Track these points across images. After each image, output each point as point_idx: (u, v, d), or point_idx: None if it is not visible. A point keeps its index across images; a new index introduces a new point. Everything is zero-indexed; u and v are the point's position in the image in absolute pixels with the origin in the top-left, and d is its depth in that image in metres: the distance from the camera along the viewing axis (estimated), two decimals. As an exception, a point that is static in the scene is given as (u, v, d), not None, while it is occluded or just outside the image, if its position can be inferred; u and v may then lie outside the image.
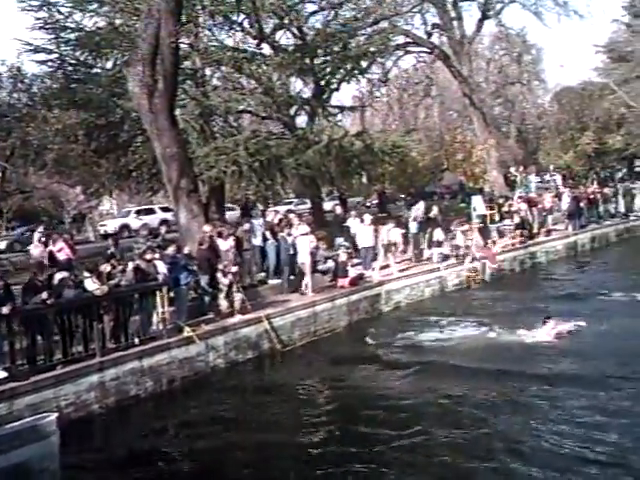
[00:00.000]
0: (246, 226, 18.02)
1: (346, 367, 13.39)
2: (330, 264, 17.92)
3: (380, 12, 26.08)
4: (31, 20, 22.97)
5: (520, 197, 27.81)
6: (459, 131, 40.92)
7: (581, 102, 46.89)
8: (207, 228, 16.17)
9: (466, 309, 17.43)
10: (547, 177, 43.08)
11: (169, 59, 16.85)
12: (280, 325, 14.98)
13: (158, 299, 12.98)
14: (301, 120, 28.10)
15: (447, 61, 35.55)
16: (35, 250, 16.54)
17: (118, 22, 23.01)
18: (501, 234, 23.70)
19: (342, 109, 30.85)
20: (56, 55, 23.90)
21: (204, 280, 14.83)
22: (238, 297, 14.78)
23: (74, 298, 12.06)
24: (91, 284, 12.24)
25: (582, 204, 28.05)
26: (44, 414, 9.02)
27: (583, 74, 73.38)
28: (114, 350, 12.07)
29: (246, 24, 24.38)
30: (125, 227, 33.09)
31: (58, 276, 12.67)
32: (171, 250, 14.63)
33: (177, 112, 19.38)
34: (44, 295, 11.24)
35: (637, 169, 47.65)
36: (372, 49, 26.60)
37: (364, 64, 28.14)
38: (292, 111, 26.70)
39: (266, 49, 25.12)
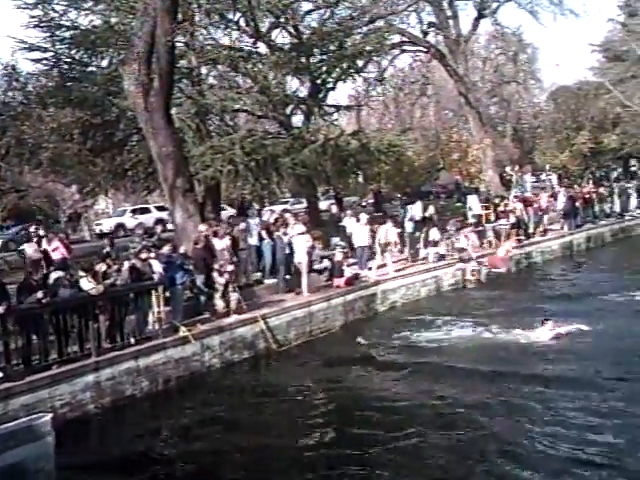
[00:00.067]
0: (242, 225, 18.00)
1: (341, 368, 13.38)
2: (326, 264, 17.93)
3: (376, 11, 26.10)
4: (26, 18, 22.90)
5: (516, 197, 27.86)
6: (455, 130, 40.95)
7: (577, 101, 46.90)
8: (203, 227, 16.16)
9: (462, 309, 17.45)
10: (543, 176, 43.11)
11: (165, 58, 16.82)
12: (276, 325, 14.97)
13: (154, 299, 12.96)
14: (297, 119, 28.13)
15: (443, 60, 35.52)
16: (29, 249, 16.48)
17: (114, 20, 22.96)
18: (497, 234, 23.71)
19: (338, 108, 30.85)
20: (51, 53, 23.81)
21: (200, 280, 14.80)
22: (234, 297, 14.77)
23: (69, 297, 12.04)
24: (87, 283, 12.21)
25: (578, 204, 28.10)
26: (39, 414, 9.00)
27: (579, 73, 73.78)
28: (110, 350, 12.05)
29: (242, 23, 24.34)
30: (121, 226, 33.01)
31: (54, 275, 12.65)
32: (167, 249, 14.64)
33: (173, 111, 19.33)
34: (39, 294, 11.21)
35: (632, 169, 47.83)
36: (368, 48, 26.57)
37: (360, 63, 28.14)
38: (288, 110, 26.69)
39: (262, 48, 25.14)
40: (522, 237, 24.28)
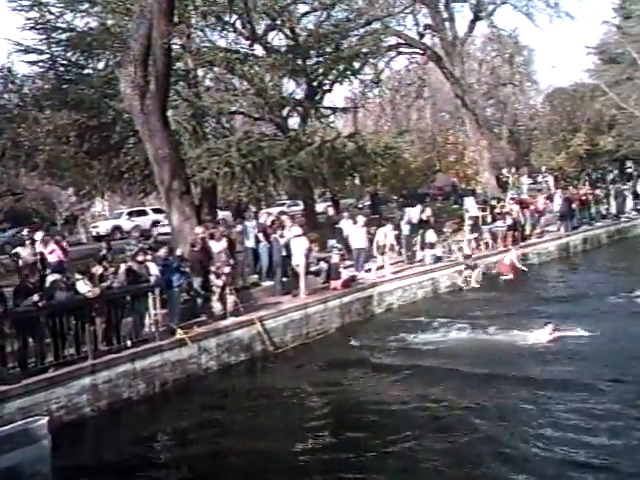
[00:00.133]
0: (239, 228, 17.99)
1: (338, 370, 13.36)
2: (323, 266, 17.94)
3: (372, 13, 26.09)
4: (22, 20, 22.85)
5: (512, 198, 27.89)
6: (451, 132, 41.01)
7: (573, 103, 47.08)
8: (199, 230, 16.13)
9: (458, 311, 17.42)
10: (539, 178, 43.25)
11: (161, 60, 16.79)
12: (272, 327, 14.97)
13: (150, 301, 12.94)
14: (293, 121, 28.13)
15: (439, 62, 35.58)
16: (24, 252, 16.42)
17: (110, 22, 22.89)
18: (494, 235, 23.74)
19: (334, 110, 30.83)
20: (47, 55, 23.73)
21: (197, 282, 14.80)
22: (231, 299, 14.77)
23: (66, 300, 12.01)
24: (83, 286, 12.19)
25: (574, 205, 28.16)
26: (35, 417, 9.00)
27: (575, 75, 74.07)
28: (106, 352, 12.02)
29: (238, 25, 24.34)
30: (117, 229, 32.97)
31: (50, 278, 12.65)
32: (163, 252, 14.62)
33: (169, 113, 19.32)
34: (36, 297, 11.18)
35: (628, 171, 47.85)
36: (364, 50, 26.61)
37: (356, 65, 28.14)
38: (284, 112, 26.69)
39: (258, 50, 25.11)
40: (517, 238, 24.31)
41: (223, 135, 25.50)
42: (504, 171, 36.98)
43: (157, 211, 31.85)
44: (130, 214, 34.67)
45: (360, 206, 40.54)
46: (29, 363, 11.14)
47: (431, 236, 21.21)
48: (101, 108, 23.29)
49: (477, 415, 10.36)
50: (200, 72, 25.23)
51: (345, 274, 17.83)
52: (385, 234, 19.58)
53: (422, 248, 21.11)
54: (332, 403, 11.60)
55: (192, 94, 23.61)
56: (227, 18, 24.09)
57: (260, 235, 17.73)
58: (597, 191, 32.17)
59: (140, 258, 13.71)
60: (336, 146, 24.02)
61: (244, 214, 19.84)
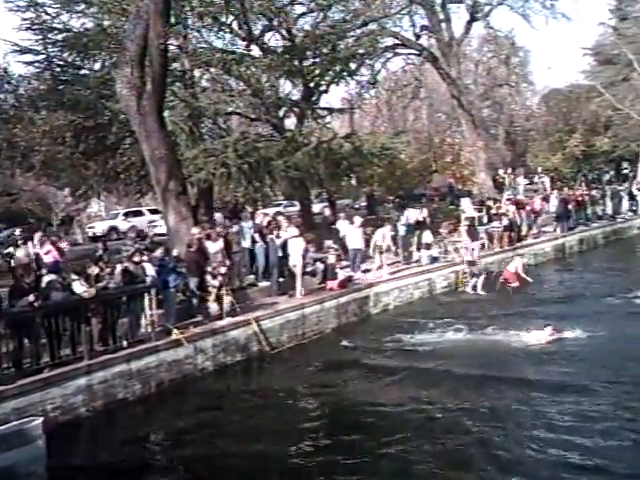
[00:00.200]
0: (235, 228, 18.00)
1: (333, 371, 13.37)
2: (319, 266, 17.95)
3: (369, 14, 26.07)
4: (18, 21, 22.77)
5: (508, 199, 27.93)
6: (448, 133, 41.10)
7: (569, 104, 47.17)
8: (196, 230, 16.13)
9: (455, 312, 17.44)
10: (536, 179, 43.34)
11: (157, 61, 16.80)
12: (269, 327, 14.99)
13: (146, 302, 12.95)
14: (290, 122, 28.10)
15: (436, 63, 35.64)
16: (19, 253, 16.38)
17: (106, 23, 22.86)
18: (490, 236, 23.78)
19: (331, 111, 30.84)
20: (43, 56, 23.66)
21: (193, 283, 14.81)
22: (227, 299, 14.77)
23: (62, 301, 12.01)
24: (79, 287, 12.20)
25: (570, 206, 28.22)
26: (30, 418, 8.99)
27: (571, 76, 74.15)
28: (102, 353, 12.01)
29: (235, 26, 24.33)
30: (113, 229, 32.91)
31: (46, 279, 12.62)
32: (159, 252, 14.62)
33: (166, 114, 19.31)
34: (31, 298, 11.17)
35: (624, 171, 48.04)
36: (361, 51, 26.61)
37: (353, 66, 28.13)
38: (281, 113, 26.67)
39: (255, 51, 25.12)
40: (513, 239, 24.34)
41: (219, 136, 25.49)
42: (500, 172, 37.02)
43: (153, 212, 31.80)
44: (126, 215, 34.61)
45: (357, 207, 40.57)
46: (24, 363, 11.13)
47: (427, 237, 21.24)
48: (97, 109, 23.25)
49: (471, 417, 10.34)
50: (197, 73, 25.21)
51: (341, 274, 17.84)
52: (383, 235, 19.62)
53: (418, 249, 21.14)
54: (327, 404, 11.58)
55: (188, 95, 23.58)
56: (224, 19, 24.07)
57: (256, 236, 17.74)
58: (593, 192, 32.24)
59: (136, 259, 13.71)
60: (332, 147, 24.03)
61: (240, 215, 19.83)
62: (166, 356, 12.75)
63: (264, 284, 17.26)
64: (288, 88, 27.78)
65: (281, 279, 17.21)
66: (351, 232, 19.41)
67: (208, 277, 14.75)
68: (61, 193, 34.77)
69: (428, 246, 21.04)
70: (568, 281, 21.87)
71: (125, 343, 12.48)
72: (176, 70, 23.30)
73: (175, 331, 13.20)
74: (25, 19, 22.85)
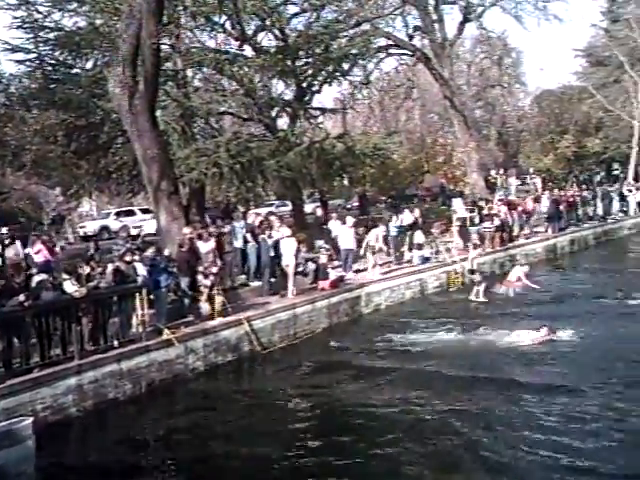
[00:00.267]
0: (227, 228, 17.99)
1: (324, 372, 13.37)
2: (311, 266, 17.97)
3: (362, 14, 26.11)
4: (9, 19, 22.64)
5: (500, 200, 28.03)
6: (440, 134, 41.17)
7: (561, 105, 47.41)
8: (187, 230, 16.12)
9: (446, 312, 17.51)
10: (528, 180, 43.54)
11: (150, 60, 16.76)
12: (260, 327, 14.99)
13: (137, 301, 12.92)
14: (282, 122, 28.08)
15: (428, 64, 35.66)
16: (9, 252, 16.30)
17: (98, 22, 22.75)
18: (481, 236, 23.84)
19: (323, 111, 30.83)
20: (35, 55, 23.55)
21: (184, 282, 14.80)
22: (219, 299, 14.76)
23: (52, 300, 11.97)
24: (70, 286, 12.17)
25: (561, 207, 28.34)
26: (20, 418, 8.96)
27: (563, 77, 74.69)
28: (92, 353, 11.98)
29: (228, 25, 24.26)
30: (105, 229, 32.79)
31: (36, 278, 12.58)
32: (151, 252, 14.60)
33: (158, 113, 19.26)
34: (21, 297, 11.13)
35: (615, 172, 48.29)
36: (354, 51, 26.57)
37: (346, 66, 28.09)
38: (273, 113, 26.63)
39: (248, 51, 25.05)
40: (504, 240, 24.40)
41: (212, 135, 25.45)
42: (492, 172, 37.16)
43: (145, 211, 31.73)
44: (118, 214, 34.51)
45: (349, 207, 40.63)
46: (14, 363, 11.09)
47: (419, 237, 21.30)
48: (89, 108, 23.16)
49: (461, 418, 10.35)
50: (189, 72, 25.15)
51: (333, 274, 17.87)
52: (377, 235, 19.67)
53: (410, 249, 21.19)
54: (318, 405, 11.56)
55: (181, 94, 23.53)
56: (216, 19, 24.02)
57: (248, 235, 17.74)
58: (584, 193, 32.38)
59: (128, 258, 13.71)
60: (325, 147, 24.02)
61: (232, 215, 19.82)
62: (157, 356, 12.73)
63: (256, 284, 17.27)
64: (281, 88, 27.77)
65: (273, 279, 17.22)
66: (343, 232, 19.44)
67: (200, 277, 14.75)
68: (52, 192, 34.59)
69: (420, 246, 21.10)
70: (559, 282, 21.93)
71: (116, 343, 12.46)
72: (169, 70, 23.26)
73: (166, 331, 13.19)
74: (16, 17, 22.73)
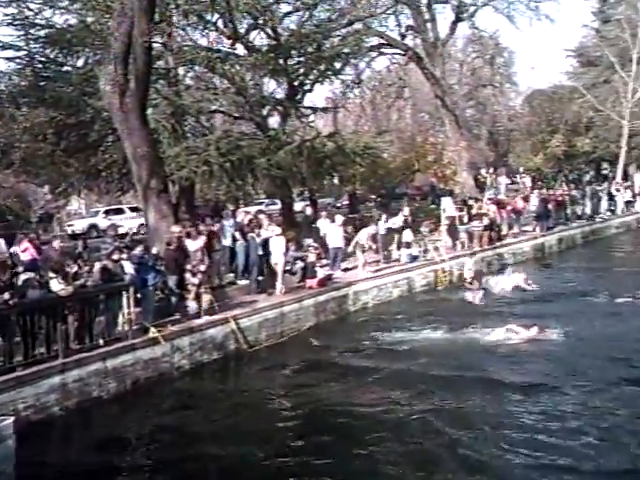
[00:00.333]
0: (216, 227, 18.03)
1: (310, 371, 13.41)
2: (300, 264, 18.04)
3: (354, 13, 26.12)
4: (-1, 16, 22.67)
5: (490, 199, 28.14)
6: (431, 133, 41.23)
7: (551, 105, 47.60)
8: (176, 229, 16.14)
9: (433, 311, 17.56)
10: (518, 179, 43.76)
11: (142, 58, 16.77)
12: (247, 326, 15.03)
13: (124, 300, 12.95)
14: (273, 121, 28.13)
15: (420, 63, 35.77)
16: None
17: (90, 20, 22.71)
18: (470, 235, 23.97)
19: (315, 110, 30.89)
20: (25, 52, 23.55)
21: (172, 281, 14.83)
22: (206, 298, 14.81)
23: (37, 299, 11.98)
24: (56, 285, 12.17)
25: (550, 206, 28.49)
26: (1, 417, 8.95)
27: (554, 77, 74.86)
28: (78, 351, 11.96)
29: (220, 24, 24.27)
30: (93, 227, 32.72)
31: (23, 277, 12.57)
32: (139, 250, 14.64)
33: (148, 111, 19.27)
34: (6, 296, 11.15)
35: (604, 172, 48.55)
36: (346, 50, 26.61)
37: (338, 65, 28.15)
38: (265, 111, 26.68)
39: (240, 49, 25.07)
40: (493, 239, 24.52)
41: (202, 134, 25.48)
42: (482, 171, 37.32)
43: (134, 209, 31.76)
44: (107, 212, 34.47)
45: (339, 205, 40.68)
46: (-3, 362, 11.06)
47: (408, 235, 21.38)
48: (80, 106, 23.13)
49: (444, 418, 10.40)
50: (181, 71, 25.20)
51: (321, 273, 17.94)
52: (368, 234, 19.76)
53: (398, 247, 21.28)
54: (303, 405, 11.56)
55: (172, 93, 23.55)
56: (209, 17, 24.02)
57: (237, 234, 17.79)
58: (573, 192, 32.56)
59: (115, 257, 13.74)
60: (315, 145, 24.05)
61: (222, 213, 19.87)
62: (143, 354, 12.75)
63: (243, 282, 17.32)
64: (272, 87, 27.84)
65: (260, 277, 17.28)
66: (332, 231, 19.52)
67: (188, 275, 14.77)
68: (41, 190, 34.54)
69: (408, 245, 21.19)
70: (547, 280, 22.00)
71: (102, 341, 12.47)
72: (160, 68, 23.27)
73: (152, 329, 13.21)
74: (7, 15, 22.72)
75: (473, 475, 8.65)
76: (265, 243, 17.47)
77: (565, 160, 46.70)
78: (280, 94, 27.45)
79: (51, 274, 12.47)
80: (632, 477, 8.46)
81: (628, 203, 35.12)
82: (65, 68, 24.47)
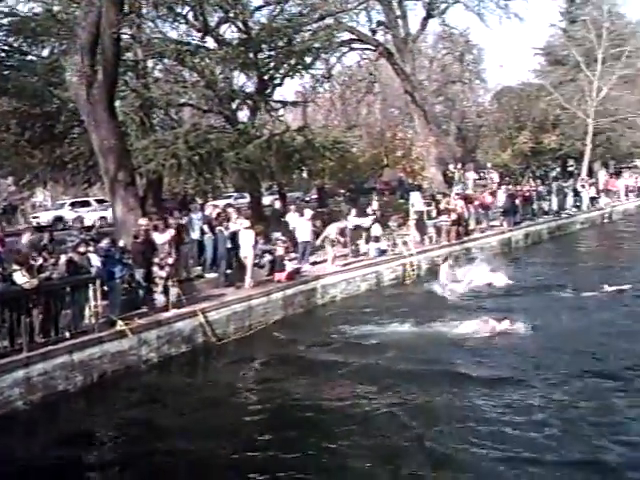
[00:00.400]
0: (184, 220, 17.93)
1: (277, 365, 13.41)
2: (269, 258, 18.04)
3: (326, 8, 26.09)
4: (-40, 3, 22.15)
5: (457, 194, 28.41)
6: (400, 128, 41.38)
7: (519, 102, 48.18)
8: (143, 222, 16.01)
9: (401, 305, 17.65)
10: (485, 174, 44.26)
11: (110, 49, 16.58)
12: (215, 319, 15.00)
13: (91, 292, 12.83)
14: (243, 114, 27.96)
15: (391, 59, 35.89)
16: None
17: (56, 9, 22.35)
18: (438, 230, 24.19)
19: (284, 104, 30.77)
20: (-14, 40, 23.09)
21: (139, 274, 14.74)
22: (174, 291, 14.75)
23: (1, 291, 11.79)
24: (20, 277, 11.99)
25: (517, 201, 28.89)
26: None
27: (522, 75, 75.73)
28: (43, 345, 11.82)
29: (190, 17, 24.06)
30: (59, 219, 32.27)
31: (-15, 270, 12.39)
32: (105, 243, 14.51)
33: (116, 104, 19.05)
34: (-32, 289, 10.97)
35: (570, 169, 49.43)
36: (317, 45, 26.58)
37: (308, 60, 28.07)
38: (234, 105, 26.51)
39: (210, 42, 24.89)
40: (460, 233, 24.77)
41: (171, 127, 25.25)
42: (450, 167, 37.60)
43: (101, 202, 31.39)
44: (73, 205, 34.02)
45: (307, 199, 40.70)
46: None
47: (376, 230, 21.51)
48: (45, 96, 22.70)
49: (409, 412, 10.45)
50: (150, 63, 24.91)
51: (290, 266, 17.96)
52: (337, 228, 19.81)
53: (367, 241, 21.40)
54: (269, 400, 11.54)
55: (140, 85, 23.27)
56: (179, 9, 23.76)
57: (205, 227, 17.72)
58: (540, 188, 33.04)
59: (82, 249, 13.61)
60: (285, 139, 24.04)
61: (190, 206, 19.75)
62: (109, 347, 12.65)
63: (211, 275, 17.28)
64: (242, 80, 27.66)
65: (229, 270, 17.24)
66: (301, 224, 19.56)
67: (155, 268, 14.70)
68: (4, 182, 33.92)
69: (377, 239, 21.32)
70: (513, 275, 22.26)
71: (68, 334, 12.35)
72: (129, 60, 22.96)
73: (119, 322, 13.13)
74: (-32, 2, 22.22)
75: (440, 468, 8.75)
76: (233, 236, 17.47)
77: (532, 156, 47.35)
78: (250, 88, 27.33)
79: (15, 266, 12.28)
80: (593, 468, 8.60)
81: (593, 199, 35.81)
82: (29, 57, 23.96)
